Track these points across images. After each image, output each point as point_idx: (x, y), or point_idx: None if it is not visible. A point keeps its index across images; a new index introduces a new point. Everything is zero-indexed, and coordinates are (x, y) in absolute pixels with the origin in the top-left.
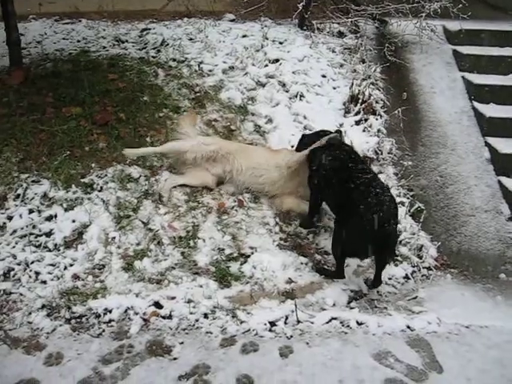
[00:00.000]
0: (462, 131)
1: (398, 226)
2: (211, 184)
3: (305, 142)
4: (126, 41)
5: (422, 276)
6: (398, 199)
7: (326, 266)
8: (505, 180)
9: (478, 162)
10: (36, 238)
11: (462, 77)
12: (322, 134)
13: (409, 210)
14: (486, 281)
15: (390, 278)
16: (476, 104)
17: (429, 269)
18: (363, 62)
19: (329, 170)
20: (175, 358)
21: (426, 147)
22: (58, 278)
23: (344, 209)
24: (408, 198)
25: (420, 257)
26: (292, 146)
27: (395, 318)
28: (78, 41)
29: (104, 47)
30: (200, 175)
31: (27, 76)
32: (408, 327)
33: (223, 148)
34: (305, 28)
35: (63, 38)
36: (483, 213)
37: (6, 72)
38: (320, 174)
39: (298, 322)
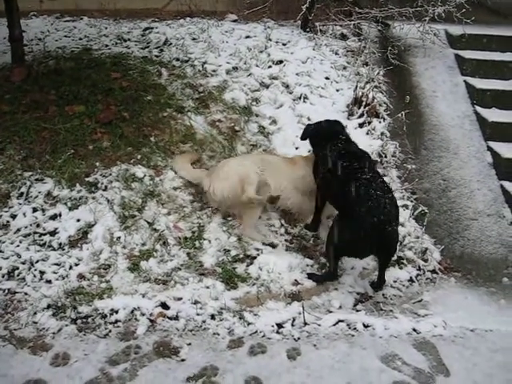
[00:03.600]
0: (465, 135)
1: (403, 229)
2: None
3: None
4: (129, 39)
5: (427, 279)
6: (401, 202)
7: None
8: (507, 184)
9: (481, 166)
10: (40, 236)
11: (465, 81)
12: (326, 124)
13: (412, 213)
14: (490, 285)
15: (394, 281)
16: (478, 108)
17: (433, 272)
18: (366, 64)
19: (332, 168)
20: (183, 360)
21: (429, 151)
22: (63, 278)
23: (344, 209)
24: (412, 201)
25: (424, 260)
26: (296, 148)
27: (401, 321)
28: (80, 39)
29: (106, 45)
30: None
31: (29, 73)
32: (414, 330)
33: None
34: (308, 30)
35: (65, 36)
36: (486, 217)
37: (8, 69)
38: (324, 173)
39: (305, 324)
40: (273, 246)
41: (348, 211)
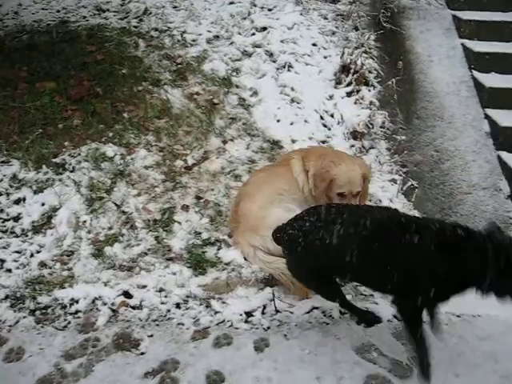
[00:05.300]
0: (461, 103)
1: (391, 205)
2: None
3: None
4: (108, 10)
5: None
6: (390, 176)
7: None
8: (505, 155)
9: (477, 135)
10: (3, 222)
11: (462, 44)
12: None
13: (401, 188)
14: None
15: None
16: (476, 73)
17: None
18: (356, 29)
19: None
20: (143, 353)
21: (422, 120)
22: (24, 266)
23: None
24: (401, 175)
25: None
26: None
27: (382, 307)
28: (58, 11)
29: (84, 17)
30: None
31: (1, 49)
32: (395, 317)
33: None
34: None
35: (42, 9)
36: (481, 190)
37: None
38: None
39: (277, 311)
40: None
41: None
